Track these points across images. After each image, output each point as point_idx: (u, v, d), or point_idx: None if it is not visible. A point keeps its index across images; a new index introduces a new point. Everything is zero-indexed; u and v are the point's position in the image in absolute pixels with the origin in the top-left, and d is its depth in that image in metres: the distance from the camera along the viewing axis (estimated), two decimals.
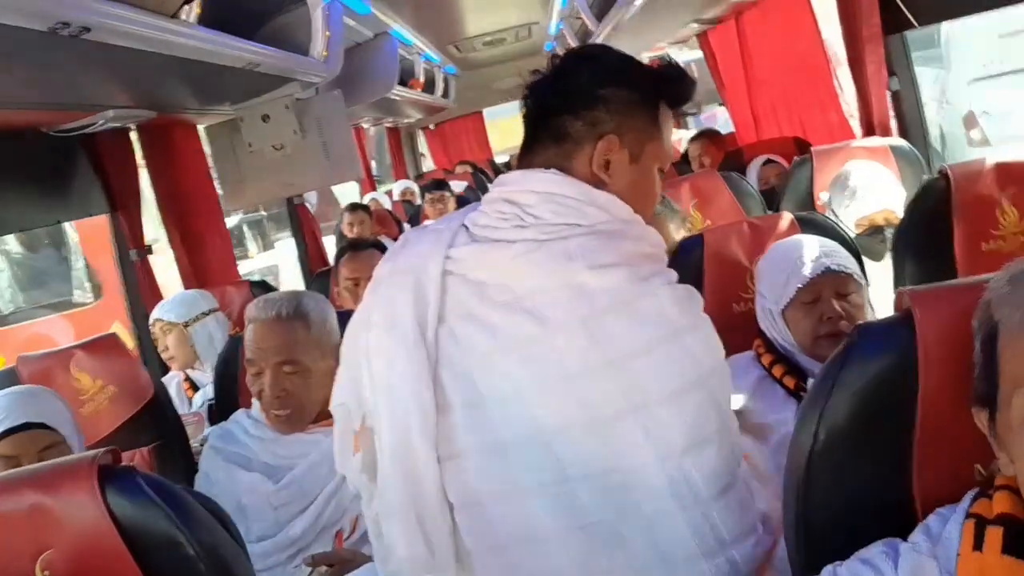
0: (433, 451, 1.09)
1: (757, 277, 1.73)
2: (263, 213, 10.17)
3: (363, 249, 2.64)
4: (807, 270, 1.58)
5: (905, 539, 0.90)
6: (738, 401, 1.59)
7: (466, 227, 1.16)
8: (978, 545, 0.84)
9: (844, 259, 1.61)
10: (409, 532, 1.10)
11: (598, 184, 1.13)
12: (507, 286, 1.10)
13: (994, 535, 0.84)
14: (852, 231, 2.37)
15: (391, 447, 1.11)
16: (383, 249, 2.64)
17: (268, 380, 1.65)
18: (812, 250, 1.62)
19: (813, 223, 1.91)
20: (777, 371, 1.62)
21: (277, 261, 7.99)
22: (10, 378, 1.92)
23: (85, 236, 5.15)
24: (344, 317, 1.89)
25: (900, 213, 2.32)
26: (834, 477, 0.94)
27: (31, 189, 2.38)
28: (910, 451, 0.91)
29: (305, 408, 1.68)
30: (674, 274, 1.14)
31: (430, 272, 1.13)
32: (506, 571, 1.09)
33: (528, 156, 1.18)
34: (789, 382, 1.60)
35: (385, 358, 1.13)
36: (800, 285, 1.58)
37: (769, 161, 3.33)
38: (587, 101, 1.15)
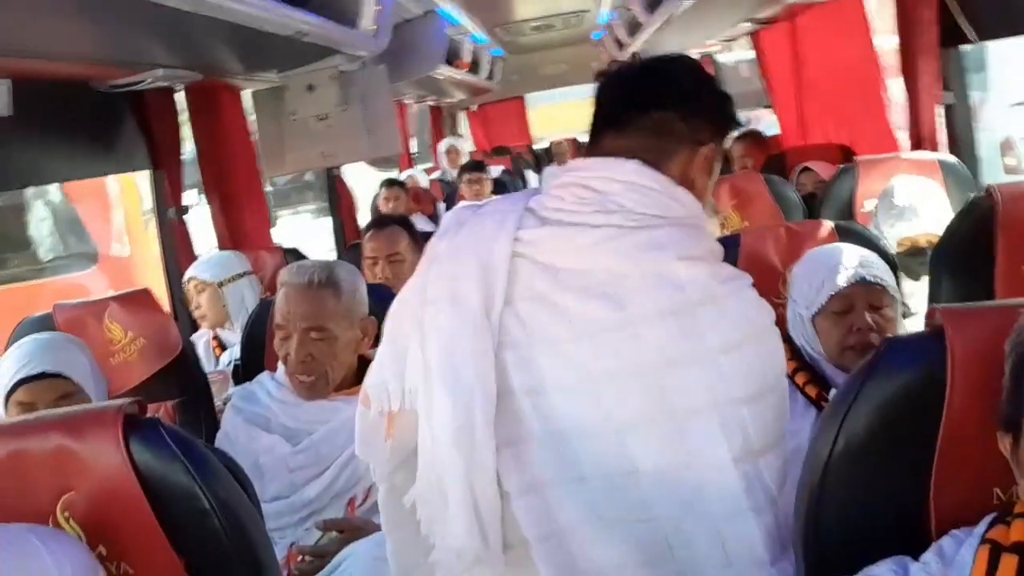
0: (492, 437, 1.06)
1: (791, 281, 1.72)
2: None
3: (386, 227, 2.62)
4: (842, 279, 1.57)
5: (916, 558, 0.89)
6: None
7: (532, 210, 1.13)
8: (991, 572, 0.83)
9: (881, 271, 1.60)
10: (467, 521, 1.06)
11: (683, 185, 1.13)
12: (585, 271, 1.07)
13: (1008, 563, 0.82)
14: (894, 248, 2.34)
15: (452, 431, 1.06)
16: (409, 227, 2.64)
17: (295, 345, 1.68)
18: (849, 259, 1.60)
19: (852, 232, 1.89)
20: (800, 379, 1.61)
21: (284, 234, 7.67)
22: (45, 324, 1.96)
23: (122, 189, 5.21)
24: (370, 291, 1.91)
25: None
26: (849, 489, 0.93)
27: (77, 141, 2.42)
28: (929, 469, 0.90)
29: (329, 375, 1.71)
30: (750, 278, 1.13)
31: (497, 252, 1.09)
32: (566, 558, 1.06)
33: (605, 144, 1.15)
34: (811, 391, 1.59)
35: (447, 335, 1.09)
36: (833, 293, 1.57)
37: (806, 169, 3.29)
38: (696, 107, 1.16)
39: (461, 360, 1.07)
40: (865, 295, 1.57)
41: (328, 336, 1.69)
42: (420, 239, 2.59)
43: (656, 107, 1.14)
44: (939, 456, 0.90)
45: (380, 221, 2.70)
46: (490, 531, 1.07)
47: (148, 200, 5.18)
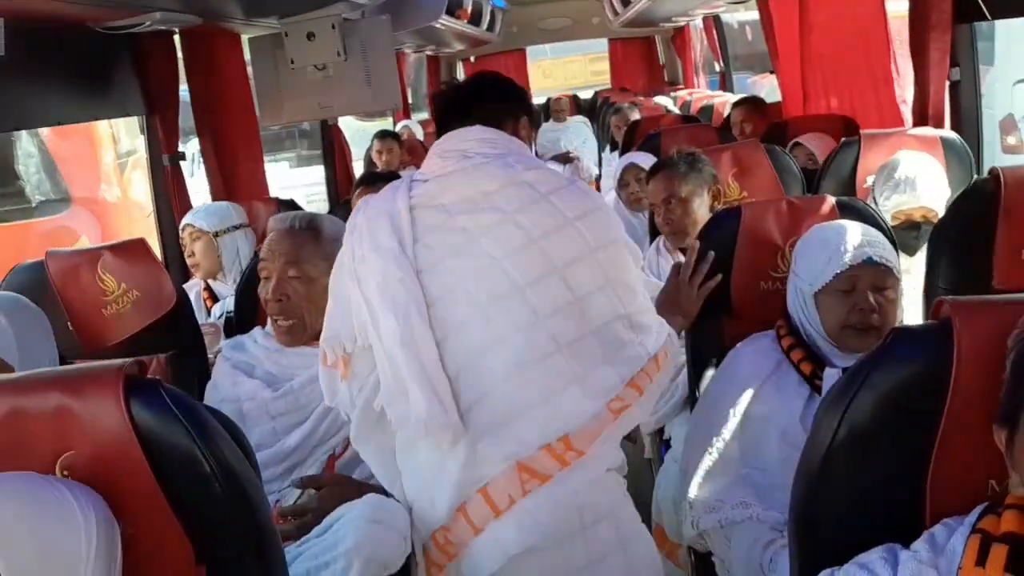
0: (430, 332, 1.39)
1: (794, 256, 1.70)
2: None
3: (374, 184, 2.50)
4: (848, 257, 1.55)
5: (906, 545, 0.91)
6: (752, 385, 1.61)
7: (415, 179, 1.52)
8: (981, 561, 0.84)
9: (887, 252, 1.58)
10: (427, 399, 1.37)
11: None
12: (467, 198, 1.45)
13: (998, 553, 0.84)
14: (889, 222, 2.34)
15: (399, 335, 1.38)
16: None
17: (273, 282, 1.71)
18: (855, 237, 1.59)
19: (853, 209, 1.88)
20: (796, 355, 1.62)
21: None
22: (38, 272, 1.94)
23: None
24: None
25: (941, 210, 2.28)
26: (848, 475, 0.94)
27: (72, 84, 2.37)
28: (928, 458, 0.91)
29: (306, 320, 1.73)
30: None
31: (399, 204, 1.46)
32: (492, 414, 1.39)
33: (454, 125, 1.55)
34: (806, 368, 1.60)
35: (379, 272, 1.42)
36: (838, 271, 1.56)
37: (797, 144, 3.26)
38: (510, 97, 1.64)
39: (393, 286, 1.40)
40: (870, 275, 1.55)
41: (304, 276, 1.71)
42: None
43: (486, 99, 1.60)
44: (939, 447, 0.91)
45: (368, 178, 2.62)
46: (446, 402, 1.38)
47: (124, 144, 5.13)
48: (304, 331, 1.73)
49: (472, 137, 1.52)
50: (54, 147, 5.08)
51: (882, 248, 1.58)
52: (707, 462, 1.60)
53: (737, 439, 1.59)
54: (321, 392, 1.66)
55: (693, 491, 1.59)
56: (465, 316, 1.41)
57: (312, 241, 1.73)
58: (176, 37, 2.83)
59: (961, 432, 0.90)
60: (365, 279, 1.44)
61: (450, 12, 5.09)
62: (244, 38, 3.14)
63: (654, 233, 2.76)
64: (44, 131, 4.93)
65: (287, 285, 1.70)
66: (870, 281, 1.55)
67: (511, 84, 1.69)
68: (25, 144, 5.03)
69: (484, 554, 1.42)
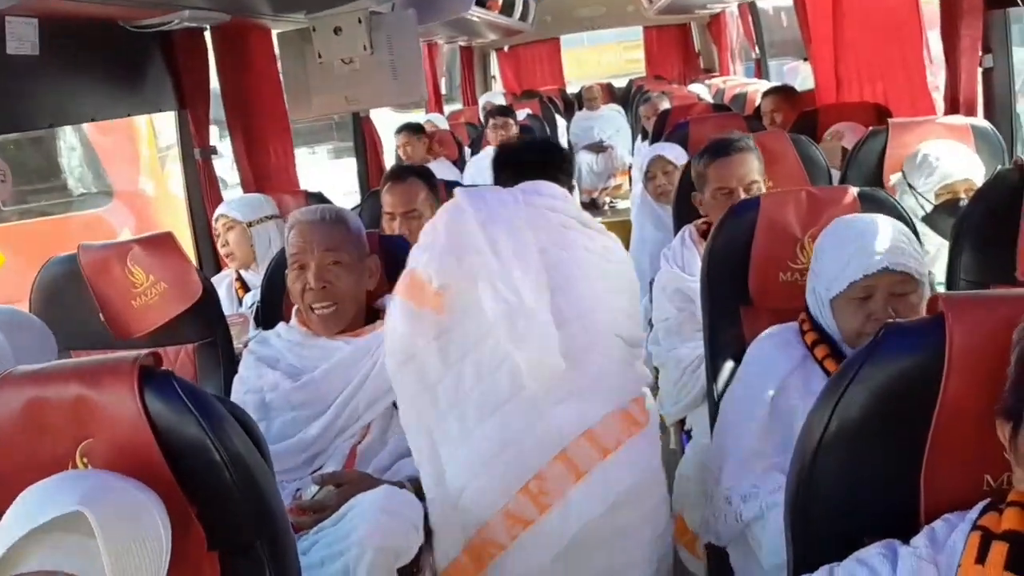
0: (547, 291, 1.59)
1: (814, 252, 1.65)
2: None
3: (403, 180, 2.53)
4: (864, 266, 1.48)
5: (904, 541, 0.91)
6: (778, 379, 1.57)
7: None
8: (981, 558, 0.84)
9: (908, 256, 1.48)
10: (550, 341, 1.55)
11: None
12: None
13: (999, 550, 0.83)
14: (931, 203, 2.29)
15: (534, 285, 1.58)
16: (427, 178, 2.56)
17: (313, 272, 1.75)
18: (875, 241, 1.49)
19: (875, 200, 1.85)
20: (819, 352, 1.57)
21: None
22: (71, 264, 2.01)
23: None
24: (386, 242, 1.94)
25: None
26: (840, 469, 0.94)
27: (106, 81, 2.43)
28: (921, 454, 0.91)
29: (345, 305, 1.78)
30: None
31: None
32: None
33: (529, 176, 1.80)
34: (830, 365, 1.54)
35: (513, 234, 1.62)
36: (853, 280, 1.49)
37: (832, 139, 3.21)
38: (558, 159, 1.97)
39: (529, 253, 1.60)
40: (888, 282, 1.47)
41: (344, 263, 1.76)
42: (438, 191, 2.55)
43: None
44: (932, 441, 0.91)
45: (397, 173, 2.61)
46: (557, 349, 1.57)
47: (164, 139, 5.23)
48: (343, 317, 1.78)
49: (545, 192, 1.82)
50: (97, 142, 5.21)
51: (904, 252, 1.48)
52: (738, 455, 1.57)
53: (767, 432, 1.56)
54: (340, 382, 1.73)
55: (727, 482, 1.57)
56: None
57: (344, 230, 1.79)
58: (207, 33, 2.89)
59: (955, 427, 0.90)
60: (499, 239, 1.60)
61: (481, 3, 5.10)
62: (274, 33, 3.19)
63: (678, 224, 2.75)
64: (86, 125, 5.06)
65: (328, 272, 1.75)
66: (888, 289, 1.48)
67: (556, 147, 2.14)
68: (69, 138, 5.16)
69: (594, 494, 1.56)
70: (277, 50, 3.18)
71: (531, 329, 1.56)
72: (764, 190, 2.34)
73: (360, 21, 2.91)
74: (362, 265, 1.81)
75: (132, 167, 5.31)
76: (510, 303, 1.56)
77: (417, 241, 1.68)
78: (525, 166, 1.87)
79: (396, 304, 1.62)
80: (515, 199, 1.70)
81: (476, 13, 4.99)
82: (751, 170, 2.34)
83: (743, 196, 2.26)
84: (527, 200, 1.71)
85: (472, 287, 1.58)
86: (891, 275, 1.46)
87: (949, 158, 2.32)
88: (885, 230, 1.52)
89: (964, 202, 2.18)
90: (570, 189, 1.90)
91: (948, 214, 2.21)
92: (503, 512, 1.54)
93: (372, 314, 1.85)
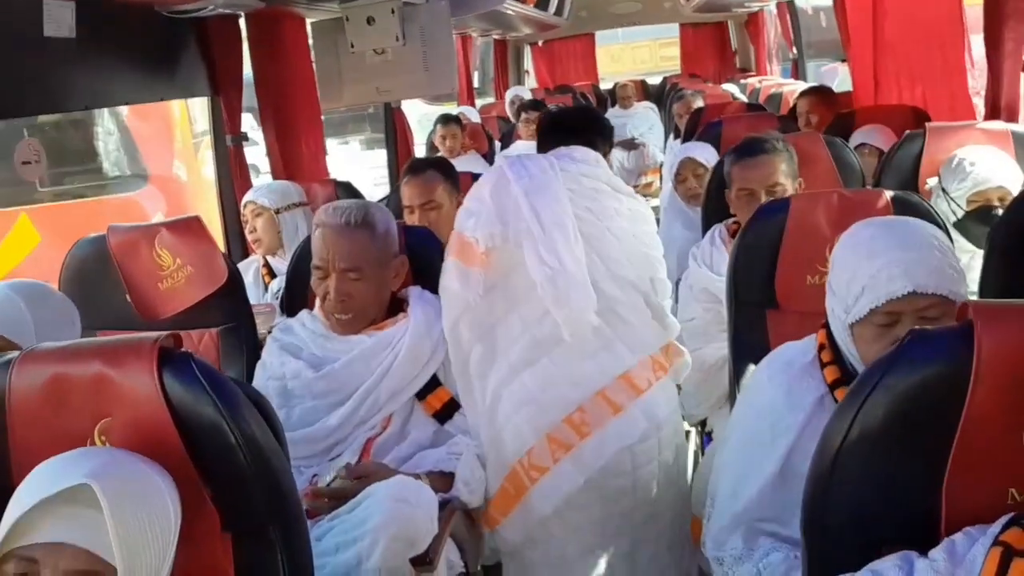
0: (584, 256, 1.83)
1: (831, 264, 1.40)
2: None
3: (421, 172, 2.49)
4: (888, 289, 1.24)
5: (922, 553, 0.88)
6: (790, 434, 1.32)
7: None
8: (1001, 575, 0.81)
9: (941, 275, 1.24)
10: (588, 296, 1.79)
11: None
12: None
13: (1020, 567, 0.81)
14: (963, 209, 2.24)
15: (572, 255, 1.79)
16: (446, 171, 2.52)
17: (333, 284, 1.74)
18: (900, 258, 1.25)
19: (909, 204, 1.81)
20: (841, 395, 1.24)
21: None
22: (100, 245, 2.03)
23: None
24: (409, 232, 1.93)
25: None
26: (859, 478, 0.92)
27: (140, 66, 2.46)
28: (944, 465, 0.89)
29: (365, 311, 1.79)
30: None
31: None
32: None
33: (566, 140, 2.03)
34: (842, 397, 1.22)
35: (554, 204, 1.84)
36: (875, 307, 1.25)
37: (863, 144, 3.15)
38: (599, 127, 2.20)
39: (568, 220, 1.82)
40: (915, 305, 1.23)
41: (364, 276, 1.75)
42: (458, 183, 2.53)
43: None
44: (955, 452, 0.88)
45: (415, 166, 2.56)
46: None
47: (199, 125, 5.29)
48: (362, 321, 1.80)
49: (578, 156, 2.03)
50: (133, 126, 5.27)
51: (933, 272, 1.23)
52: (726, 518, 1.37)
53: (772, 491, 1.32)
54: (360, 373, 1.74)
55: (714, 548, 1.38)
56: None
57: (368, 239, 1.76)
58: (241, 20, 2.91)
59: (980, 439, 0.88)
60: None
61: None
62: (308, 22, 3.20)
63: (707, 224, 2.72)
64: (124, 110, 5.12)
65: (348, 284, 1.75)
66: (917, 313, 1.24)
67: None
68: (106, 122, 5.23)
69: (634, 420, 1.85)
70: (311, 39, 3.19)
71: (571, 290, 1.77)
72: (793, 192, 2.29)
73: (393, 12, 2.92)
74: (385, 271, 1.80)
75: (167, 152, 5.38)
76: (553, 268, 1.76)
77: (463, 208, 1.89)
78: (566, 129, 2.08)
79: (449, 265, 1.83)
80: (552, 165, 1.87)
81: (511, 7, 4.98)
82: (774, 172, 2.29)
83: (765, 198, 2.21)
84: (562, 167, 1.89)
85: (517, 250, 1.80)
86: (921, 298, 1.23)
87: (984, 164, 2.26)
88: (914, 241, 1.28)
89: (999, 210, 2.13)
90: (605, 153, 2.06)
91: (980, 221, 2.17)
92: (547, 437, 1.81)
93: (395, 305, 1.86)
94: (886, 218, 1.55)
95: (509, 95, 6.87)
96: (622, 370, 1.86)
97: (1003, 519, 0.86)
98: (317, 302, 1.85)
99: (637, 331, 1.91)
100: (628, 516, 1.93)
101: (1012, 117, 2.57)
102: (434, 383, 1.81)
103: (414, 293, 1.87)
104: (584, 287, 1.78)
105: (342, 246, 1.74)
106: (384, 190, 4.50)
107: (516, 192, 1.80)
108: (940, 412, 0.88)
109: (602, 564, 1.93)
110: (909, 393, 0.90)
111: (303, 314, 1.89)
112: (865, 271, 1.27)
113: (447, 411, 1.81)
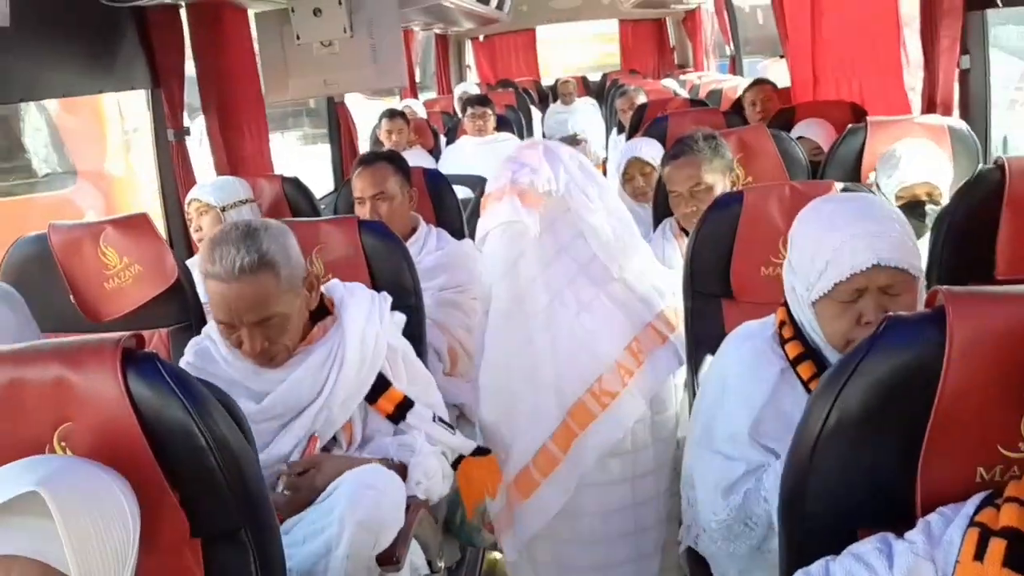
0: None
1: (790, 242, 1.41)
2: None
3: (372, 164, 2.45)
4: (851, 262, 1.24)
5: (900, 535, 0.90)
6: (757, 404, 1.36)
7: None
8: (979, 555, 0.83)
9: (902, 248, 1.25)
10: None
11: None
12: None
13: (997, 547, 0.83)
14: (892, 203, 2.32)
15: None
16: (397, 163, 2.48)
17: (247, 339, 1.54)
18: (862, 231, 1.25)
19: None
20: (804, 371, 1.35)
21: None
22: (41, 244, 1.95)
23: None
24: (363, 227, 1.90)
25: (944, 191, 2.27)
26: (838, 464, 0.94)
27: (77, 57, 2.36)
28: (919, 447, 0.91)
29: (289, 346, 1.61)
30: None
31: None
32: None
33: None
34: (805, 372, 1.34)
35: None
36: (839, 281, 1.26)
37: (800, 138, 3.22)
38: None
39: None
40: (879, 279, 1.25)
41: (279, 317, 1.54)
42: (410, 175, 2.49)
43: None
44: (929, 436, 0.91)
45: (367, 159, 2.51)
46: None
47: (131, 120, 5.13)
48: (286, 354, 1.61)
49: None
50: (61, 121, 5.07)
51: (895, 245, 1.25)
52: (707, 489, 1.42)
53: (736, 467, 1.37)
54: (307, 391, 1.59)
55: (702, 518, 1.44)
56: None
57: (272, 279, 1.51)
58: (183, 11, 2.82)
59: (952, 421, 0.90)
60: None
61: None
62: (251, 13, 3.12)
63: (657, 219, 2.75)
64: (52, 106, 4.92)
65: (265, 334, 1.55)
66: (879, 286, 1.25)
67: None
68: (33, 118, 5.02)
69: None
70: (254, 31, 3.11)
71: (623, 233, 2.03)
72: (722, 191, 2.32)
73: (340, 3, 2.87)
74: (299, 300, 1.58)
75: (98, 148, 5.19)
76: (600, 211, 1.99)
77: (509, 164, 1.96)
78: None
79: (491, 231, 1.92)
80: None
81: (453, 0, 4.95)
82: (696, 173, 2.34)
83: (690, 199, 2.33)
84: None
85: (569, 198, 1.96)
86: (883, 271, 1.24)
87: (911, 160, 2.33)
88: (875, 214, 1.29)
89: (929, 206, 2.21)
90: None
91: (907, 215, 2.24)
92: (617, 364, 2.01)
93: (319, 308, 1.68)
94: (844, 194, 1.54)
95: (458, 91, 6.83)
96: (655, 313, 2.08)
97: (976, 498, 0.89)
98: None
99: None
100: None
101: (947, 111, 2.67)
102: (382, 384, 1.69)
103: (337, 289, 1.72)
104: (631, 226, 2.06)
105: (244, 298, 1.49)
106: (326, 187, 4.43)
107: (567, 157, 1.99)
108: (916, 396, 0.90)
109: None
110: (886, 378, 0.91)
111: (218, 339, 1.64)
112: (828, 244, 1.27)
113: (400, 411, 1.69)
